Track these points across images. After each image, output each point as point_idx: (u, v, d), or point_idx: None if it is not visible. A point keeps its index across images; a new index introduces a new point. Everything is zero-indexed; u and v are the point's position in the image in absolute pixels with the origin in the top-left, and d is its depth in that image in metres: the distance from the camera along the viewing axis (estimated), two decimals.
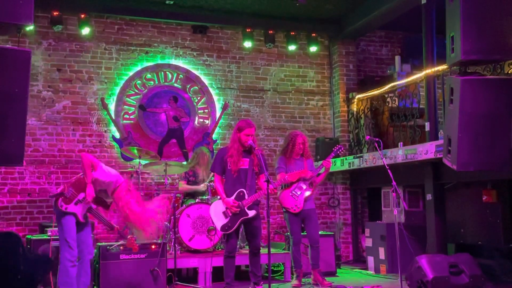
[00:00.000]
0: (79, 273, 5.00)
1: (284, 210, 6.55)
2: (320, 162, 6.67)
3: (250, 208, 5.67)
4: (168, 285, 6.14)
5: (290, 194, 6.44)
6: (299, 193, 6.44)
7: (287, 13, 8.90)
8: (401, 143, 7.39)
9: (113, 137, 8.26)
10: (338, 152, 6.74)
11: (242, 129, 5.65)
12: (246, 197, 5.66)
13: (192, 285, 6.35)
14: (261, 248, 5.91)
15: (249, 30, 8.94)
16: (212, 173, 6.58)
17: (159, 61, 8.63)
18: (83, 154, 5.03)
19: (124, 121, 8.34)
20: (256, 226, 5.76)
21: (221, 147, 8.67)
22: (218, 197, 5.84)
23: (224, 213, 5.64)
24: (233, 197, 5.66)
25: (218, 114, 8.86)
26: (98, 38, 8.35)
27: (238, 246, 6.49)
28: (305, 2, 8.09)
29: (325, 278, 6.46)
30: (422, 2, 7.38)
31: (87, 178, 4.92)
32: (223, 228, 5.61)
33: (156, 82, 8.58)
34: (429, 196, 7.04)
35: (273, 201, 8.67)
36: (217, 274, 6.49)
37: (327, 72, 9.58)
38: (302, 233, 6.60)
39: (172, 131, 8.58)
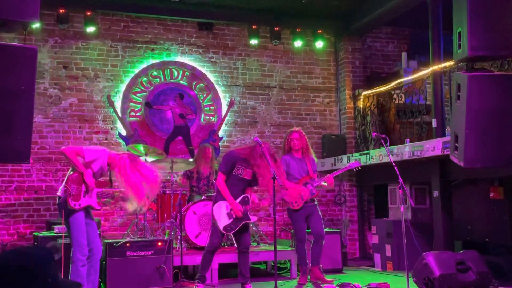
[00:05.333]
0: (88, 272, 5.00)
1: (288, 208, 6.49)
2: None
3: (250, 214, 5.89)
4: (174, 282, 6.15)
5: None
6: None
7: (293, 9, 8.88)
8: (408, 140, 7.36)
9: (120, 134, 8.27)
10: (354, 168, 6.59)
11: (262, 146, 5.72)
12: (250, 203, 5.82)
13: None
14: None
15: (255, 27, 8.93)
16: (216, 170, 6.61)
17: (165, 58, 8.64)
18: (64, 149, 4.99)
19: (130, 119, 8.36)
20: (247, 228, 5.92)
21: (229, 146, 8.69)
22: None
23: (228, 214, 5.70)
24: (238, 201, 5.74)
25: (224, 111, 8.86)
26: (104, 36, 8.36)
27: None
28: None
29: (326, 275, 6.39)
30: None
31: (79, 169, 4.93)
32: (226, 228, 5.69)
33: (162, 80, 8.60)
34: (436, 193, 7.02)
35: (279, 198, 8.67)
36: (224, 271, 6.50)
37: (333, 69, 9.56)
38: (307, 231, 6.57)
39: (178, 128, 8.59)
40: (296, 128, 6.67)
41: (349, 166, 6.55)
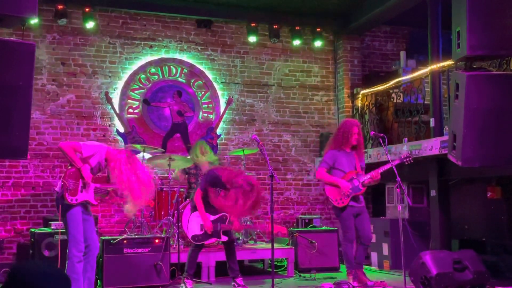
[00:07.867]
0: (85, 268, 4.98)
1: (333, 206, 6.12)
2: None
3: (224, 233, 5.91)
4: (171, 279, 6.15)
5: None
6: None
7: (292, 7, 8.87)
8: (406, 139, 7.36)
9: (117, 131, 8.26)
10: (405, 161, 5.93)
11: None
12: (226, 223, 5.89)
13: (195, 280, 6.35)
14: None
15: (254, 24, 8.91)
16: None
17: (163, 55, 8.62)
18: (61, 144, 4.98)
19: (128, 116, 8.34)
20: (231, 248, 6.01)
21: (227, 144, 8.66)
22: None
23: (201, 225, 5.85)
24: (215, 217, 5.88)
25: (222, 109, 8.84)
26: (103, 32, 8.34)
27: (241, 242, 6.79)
28: None
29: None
30: None
31: (77, 164, 4.92)
32: (194, 238, 5.85)
33: (160, 77, 8.58)
34: (433, 192, 7.02)
35: (276, 196, 8.68)
36: (220, 268, 6.50)
37: (332, 67, 9.55)
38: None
39: (176, 126, 8.58)
40: (354, 120, 6.20)
41: (400, 159, 5.97)
